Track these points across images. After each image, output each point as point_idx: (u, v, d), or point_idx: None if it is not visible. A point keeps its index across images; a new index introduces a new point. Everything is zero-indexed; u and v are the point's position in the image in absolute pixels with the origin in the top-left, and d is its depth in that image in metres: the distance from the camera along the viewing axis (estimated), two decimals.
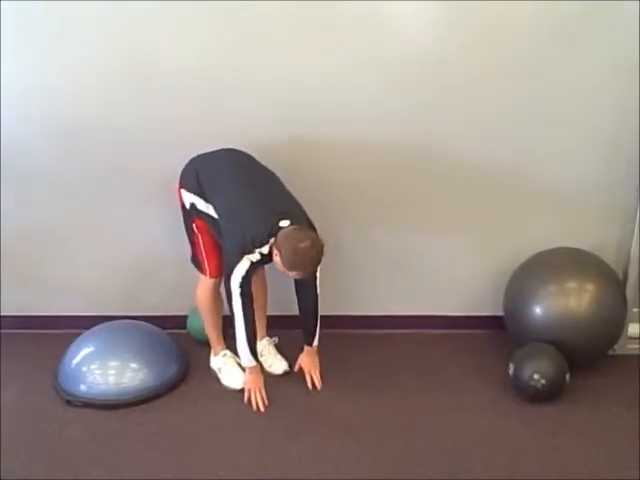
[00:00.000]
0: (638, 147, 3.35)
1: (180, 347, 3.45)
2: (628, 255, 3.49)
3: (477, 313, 3.76)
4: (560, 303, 3.28)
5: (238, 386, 3.26)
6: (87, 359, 3.21)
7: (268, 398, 3.14)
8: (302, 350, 3.32)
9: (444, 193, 3.55)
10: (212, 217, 3.04)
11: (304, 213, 2.99)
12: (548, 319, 3.27)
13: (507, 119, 3.38)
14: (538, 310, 3.29)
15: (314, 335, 3.26)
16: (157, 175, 3.48)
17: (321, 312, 3.21)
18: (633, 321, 3.54)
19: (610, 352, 3.45)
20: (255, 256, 2.88)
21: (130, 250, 3.68)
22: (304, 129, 3.40)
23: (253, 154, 3.21)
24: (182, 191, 3.13)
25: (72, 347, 3.29)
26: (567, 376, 3.14)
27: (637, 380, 3.33)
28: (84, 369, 3.18)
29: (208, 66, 3.30)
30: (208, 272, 3.21)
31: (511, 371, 3.21)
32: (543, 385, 3.10)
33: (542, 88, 3.32)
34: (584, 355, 3.30)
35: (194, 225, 3.16)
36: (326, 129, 3.39)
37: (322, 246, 2.84)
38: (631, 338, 3.55)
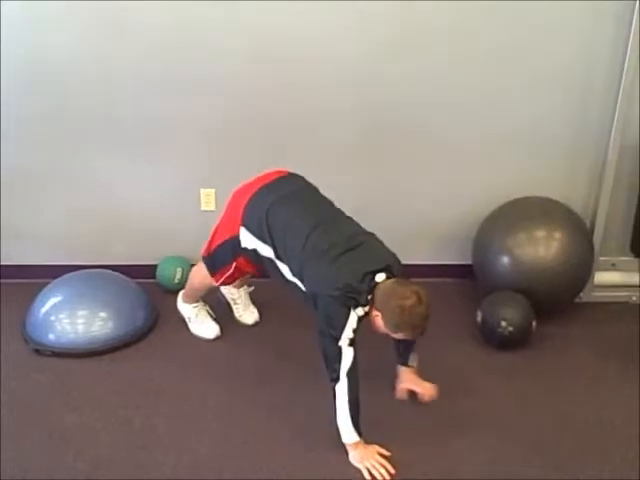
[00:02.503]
0: (613, 95, 3.34)
1: (149, 296, 3.44)
2: (596, 204, 3.52)
3: (446, 262, 3.79)
4: (528, 251, 3.30)
5: (209, 336, 3.27)
6: (56, 308, 3.19)
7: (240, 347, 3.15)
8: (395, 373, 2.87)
9: (412, 140, 3.54)
10: (285, 276, 2.71)
11: (389, 252, 2.63)
12: (516, 267, 3.31)
13: (475, 64, 3.39)
14: (506, 259, 3.32)
15: (410, 354, 2.84)
16: (129, 124, 3.45)
17: None
18: (599, 269, 3.59)
19: (576, 300, 3.51)
20: (359, 311, 2.52)
21: (99, 199, 3.63)
22: (285, 68, 3.37)
23: (236, 104, 3.25)
24: (242, 229, 2.79)
25: (40, 296, 3.27)
26: (534, 323, 3.19)
27: (602, 327, 3.40)
28: (52, 318, 3.16)
29: (188, 11, 3.24)
30: (219, 281, 3.05)
31: (479, 318, 3.25)
32: (510, 332, 3.14)
33: (511, 31, 3.33)
34: (551, 303, 3.35)
35: (234, 262, 2.91)
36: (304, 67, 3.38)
37: (427, 297, 2.49)
38: (597, 286, 3.60)
